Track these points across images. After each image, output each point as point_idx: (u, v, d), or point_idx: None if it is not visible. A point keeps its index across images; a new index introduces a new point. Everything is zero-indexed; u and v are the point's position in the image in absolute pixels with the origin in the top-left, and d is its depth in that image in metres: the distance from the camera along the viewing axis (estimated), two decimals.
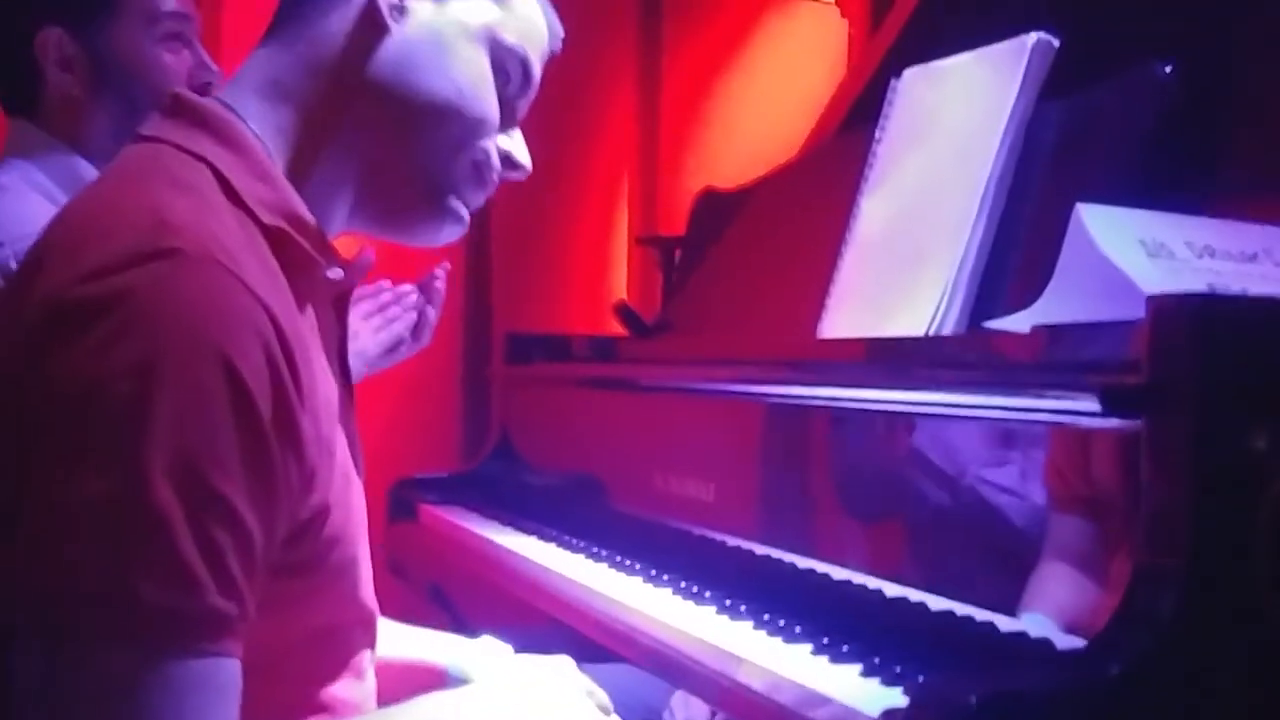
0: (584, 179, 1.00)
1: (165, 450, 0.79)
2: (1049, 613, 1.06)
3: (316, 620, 0.98)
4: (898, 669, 1.04)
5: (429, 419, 2.40)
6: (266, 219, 0.95)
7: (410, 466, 2.16)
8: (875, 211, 1.50)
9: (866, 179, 1.53)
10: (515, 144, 1.11)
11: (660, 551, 1.53)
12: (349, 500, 1.01)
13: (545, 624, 1.63)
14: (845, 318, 1.48)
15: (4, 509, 0.83)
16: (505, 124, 1.10)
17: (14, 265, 1.36)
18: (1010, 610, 1.08)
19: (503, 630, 1.95)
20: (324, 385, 0.97)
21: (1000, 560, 1.14)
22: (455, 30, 1.05)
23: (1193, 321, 0.89)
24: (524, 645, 1.87)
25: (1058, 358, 1.05)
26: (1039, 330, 1.09)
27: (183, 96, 1.02)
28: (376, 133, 1.04)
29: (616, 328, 2.45)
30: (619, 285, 2.93)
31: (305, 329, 0.95)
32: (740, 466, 1.54)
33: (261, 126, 1.00)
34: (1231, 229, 1.11)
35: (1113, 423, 0.94)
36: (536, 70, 1.12)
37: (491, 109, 1.07)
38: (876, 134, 1.55)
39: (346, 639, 1.04)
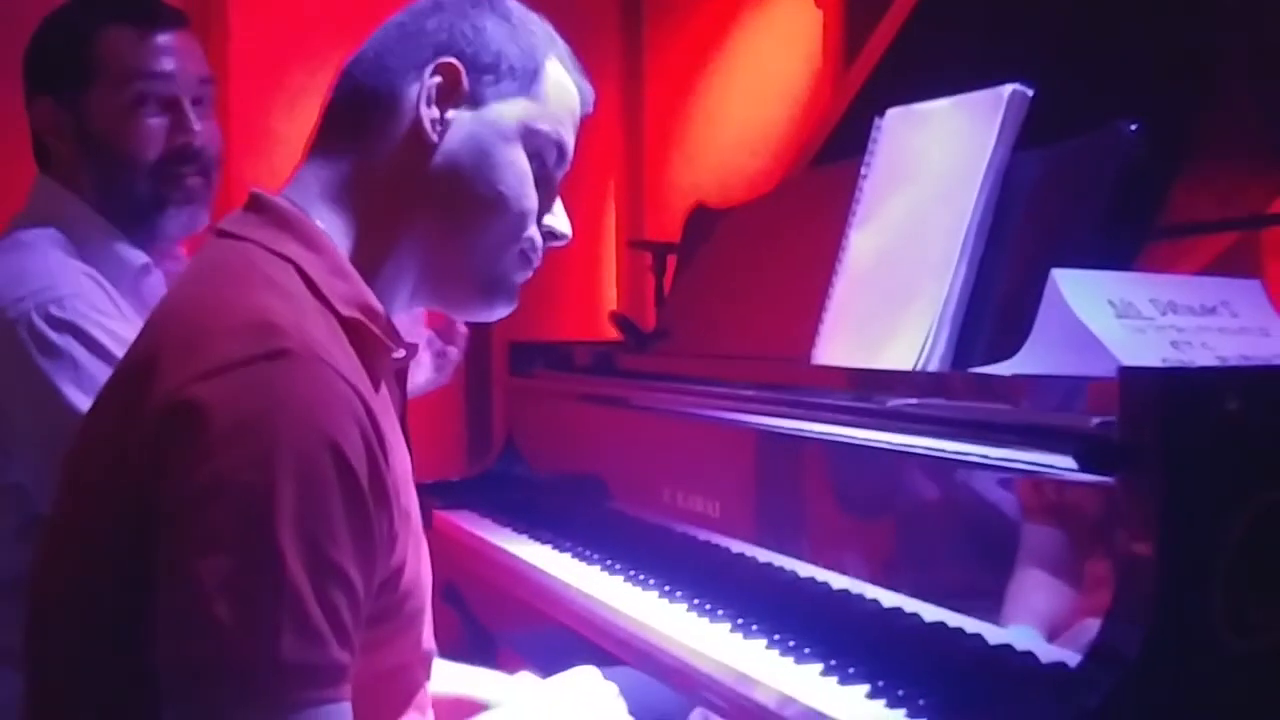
0: (573, 181, 1.07)
1: (290, 528, 0.90)
2: (1032, 622, 1.17)
3: (388, 662, 1.10)
4: (900, 691, 1.16)
5: (433, 423, 2.50)
6: (345, 312, 1.06)
7: (416, 470, 2.25)
8: (864, 245, 1.61)
9: (854, 212, 1.64)
10: (557, 217, 1.22)
11: (671, 561, 1.65)
12: (420, 556, 1.12)
13: (555, 625, 1.75)
14: (838, 346, 1.59)
15: (128, 596, 0.94)
16: (546, 202, 1.20)
17: (35, 317, 1.44)
18: (997, 603, 1.18)
19: (515, 630, 2.07)
20: (399, 455, 1.08)
21: (987, 555, 1.25)
22: (493, 134, 1.15)
23: (1158, 392, 1.01)
24: (536, 644, 1.98)
25: (1036, 407, 1.17)
26: (1020, 379, 1.21)
27: (262, 197, 1.13)
28: (432, 235, 1.14)
29: (610, 330, 2.54)
30: (609, 286, 3.03)
31: (381, 407, 1.06)
32: (738, 474, 1.65)
33: (330, 229, 1.11)
34: (1191, 283, 1.23)
35: (1088, 477, 1.06)
36: (571, 144, 1.22)
37: (532, 203, 1.18)
38: (862, 169, 1.65)
39: (410, 677, 1.16)
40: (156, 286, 1.61)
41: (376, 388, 1.08)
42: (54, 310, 1.44)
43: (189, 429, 0.92)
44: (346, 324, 1.06)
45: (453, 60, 1.14)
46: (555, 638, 1.80)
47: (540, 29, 1.20)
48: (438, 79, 1.13)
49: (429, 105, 1.13)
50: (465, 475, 2.34)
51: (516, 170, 1.16)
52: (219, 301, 1.01)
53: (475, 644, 2.14)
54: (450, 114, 1.14)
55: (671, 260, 2.33)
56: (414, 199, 1.13)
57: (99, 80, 1.58)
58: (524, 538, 1.94)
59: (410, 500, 1.12)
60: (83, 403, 1.40)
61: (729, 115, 3.24)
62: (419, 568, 1.13)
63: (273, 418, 0.92)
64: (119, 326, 1.45)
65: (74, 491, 1.06)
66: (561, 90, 1.20)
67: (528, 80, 1.17)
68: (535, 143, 1.17)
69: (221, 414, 0.92)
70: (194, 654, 0.91)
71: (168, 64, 1.60)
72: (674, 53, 3.17)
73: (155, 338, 1.03)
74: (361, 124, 1.14)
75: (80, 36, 1.58)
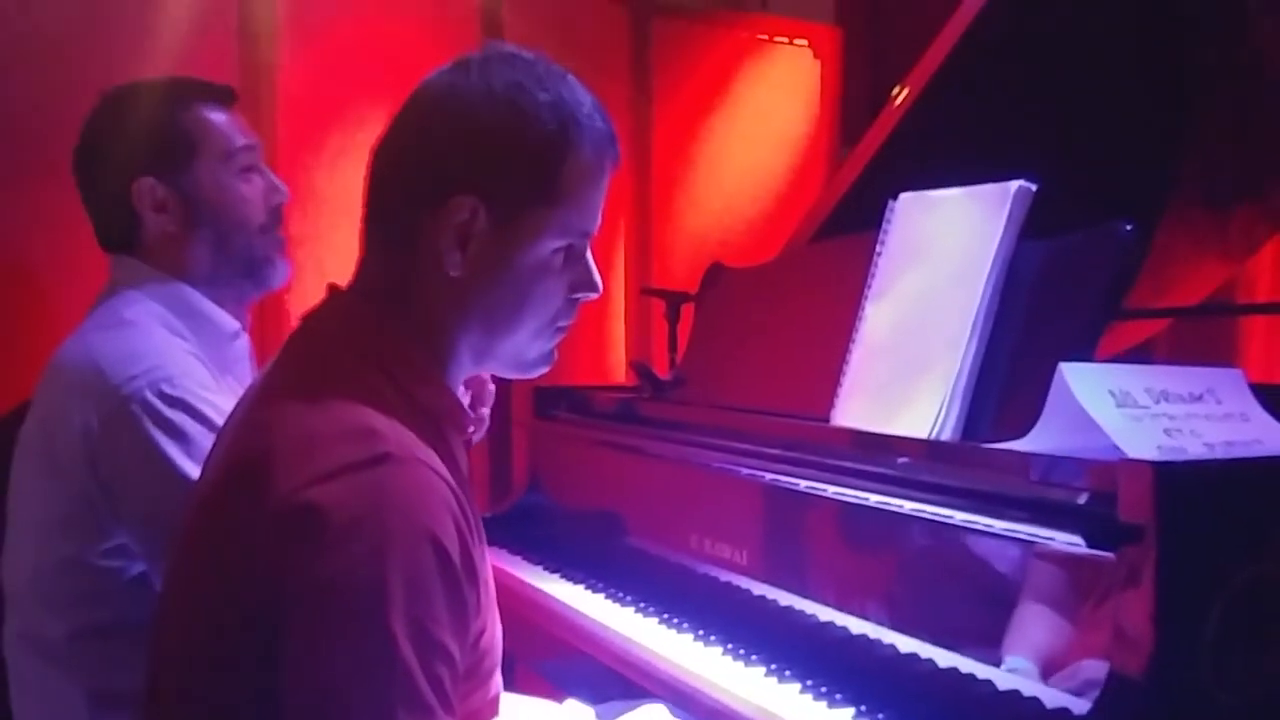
0: None
1: (401, 615, 1.04)
2: (1030, 656, 1.32)
3: (463, 711, 1.24)
4: None
5: None
6: (427, 406, 1.21)
7: None
8: (880, 317, 1.76)
9: (870, 285, 1.79)
10: (587, 279, 1.30)
11: (698, 604, 1.79)
12: (494, 619, 1.27)
13: (572, 651, 1.89)
14: (855, 409, 1.74)
15: (253, 671, 1.07)
16: (575, 273, 1.28)
17: (149, 395, 1.57)
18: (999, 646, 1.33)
19: (540, 661, 2.20)
20: (478, 528, 1.22)
21: (991, 601, 1.39)
22: (518, 250, 1.22)
23: (1156, 482, 1.17)
24: (552, 667, 2.10)
25: (1042, 482, 1.33)
26: (1031, 456, 1.36)
27: (340, 295, 1.26)
28: (478, 333, 1.25)
29: (621, 373, 2.67)
30: (618, 328, 3.18)
31: (460, 484, 1.20)
32: (755, 523, 1.79)
33: (397, 328, 1.23)
34: (1180, 373, 1.38)
35: (1091, 552, 1.22)
36: (598, 216, 1.29)
37: (561, 295, 1.27)
38: (877, 246, 1.80)
39: (480, 718, 1.30)
40: (241, 350, 1.76)
41: (454, 467, 1.22)
42: (166, 389, 1.57)
43: (309, 528, 1.06)
44: (430, 416, 1.21)
45: (470, 198, 1.19)
46: (571, 661, 1.93)
47: (556, 115, 1.21)
48: (457, 216, 1.19)
49: (451, 248, 1.20)
50: (492, 511, 2.47)
51: (544, 273, 1.25)
52: (323, 407, 1.14)
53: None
54: (472, 246, 1.20)
55: (685, 309, 2.46)
56: (456, 306, 1.23)
57: (201, 156, 1.72)
58: (556, 576, 2.08)
59: (487, 569, 1.26)
60: (191, 469, 1.53)
61: (731, 161, 3.40)
62: (495, 629, 1.28)
63: (381, 517, 1.06)
64: (217, 399, 1.59)
65: (191, 576, 1.18)
66: (585, 174, 1.23)
67: (548, 185, 1.21)
68: (561, 240, 1.24)
69: (337, 515, 1.05)
70: None
71: (248, 136, 1.79)
72: (680, 103, 3.32)
73: (267, 439, 1.13)
74: (399, 240, 1.23)
75: (177, 118, 1.72)
